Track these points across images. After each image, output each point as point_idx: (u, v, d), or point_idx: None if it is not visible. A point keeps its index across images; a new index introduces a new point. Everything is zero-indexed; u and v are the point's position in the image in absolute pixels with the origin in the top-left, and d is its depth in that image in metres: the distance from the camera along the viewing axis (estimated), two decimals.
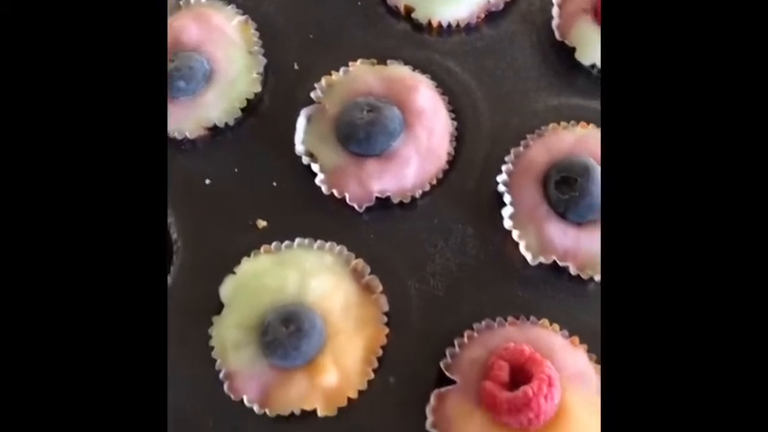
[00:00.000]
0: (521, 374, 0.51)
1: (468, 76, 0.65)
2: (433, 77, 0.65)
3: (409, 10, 0.67)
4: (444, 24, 0.67)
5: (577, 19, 0.66)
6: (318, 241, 0.58)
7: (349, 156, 0.60)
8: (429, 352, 0.55)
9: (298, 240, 0.59)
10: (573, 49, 0.65)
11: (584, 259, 0.57)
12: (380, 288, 0.57)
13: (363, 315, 0.56)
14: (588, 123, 0.62)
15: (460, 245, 0.59)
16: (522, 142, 0.62)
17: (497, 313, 0.56)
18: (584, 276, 0.57)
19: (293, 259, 0.57)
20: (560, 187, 0.58)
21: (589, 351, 0.55)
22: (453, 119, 0.63)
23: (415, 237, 0.60)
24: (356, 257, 0.58)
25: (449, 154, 0.62)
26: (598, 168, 0.58)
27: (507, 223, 0.59)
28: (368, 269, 0.57)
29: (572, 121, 0.63)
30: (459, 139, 0.63)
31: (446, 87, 0.65)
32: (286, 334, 0.52)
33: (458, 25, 0.67)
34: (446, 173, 0.61)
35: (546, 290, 0.57)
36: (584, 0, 0.66)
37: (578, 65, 0.65)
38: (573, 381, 0.53)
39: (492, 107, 0.64)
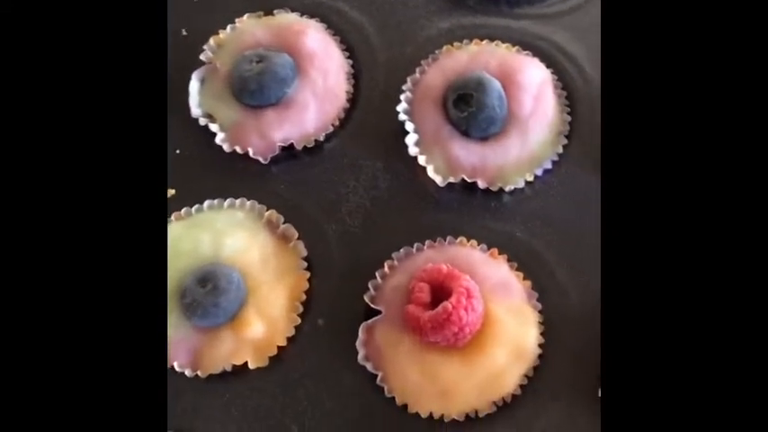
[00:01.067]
0: (442, 293, 0.52)
1: (357, 13, 0.65)
2: (323, 20, 0.64)
3: None
4: None
5: None
6: (228, 200, 0.58)
7: (246, 110, 0.59)
8: (353, 289, 0.55)
9: (207, 203, 0.58)
10: None
11: (492, 173, 0.58)
12: (296, 235, 0.56)
13: (282, 264, 0.55)
14: (481, 40, 0.63)
15: (372, 180, 0.59)
16: (417, 69, 0.61)
17: (415, 240, 0.56)
18: (494, 189, 0.57)
19: (205, 221, 0.57)
20: (458, 105, 0.57)
21: (510, 261, 0.55)
22: (348, 57, 0.63)
23: (326, 180, 0.59)
24: (268, 209, 0.57)
25: (347, 92, 0.61)
26: (493, 81, 0.58)
27: (413, 150, 0.58)
28: (281, 219, 0.57)
29: (465, 40, 0.62)
30: (356, 76, 0.62)
31: (337, 28, 0.64)
32: (203, 293, 0.52)
33: None
34: (348, 111, 0.61)
35: (460, 209, 0.58)
36: None
37: None
38: (496, 291, 0.53)
39: (385, 40, 0.64)
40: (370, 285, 0.54)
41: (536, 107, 0.59)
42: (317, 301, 0.55)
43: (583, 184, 0.58)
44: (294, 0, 0.65)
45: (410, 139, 0.59)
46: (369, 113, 0.61)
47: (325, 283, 0.56)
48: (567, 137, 0.59)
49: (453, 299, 0.50)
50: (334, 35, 0.63)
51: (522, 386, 0.51)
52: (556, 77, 0.61)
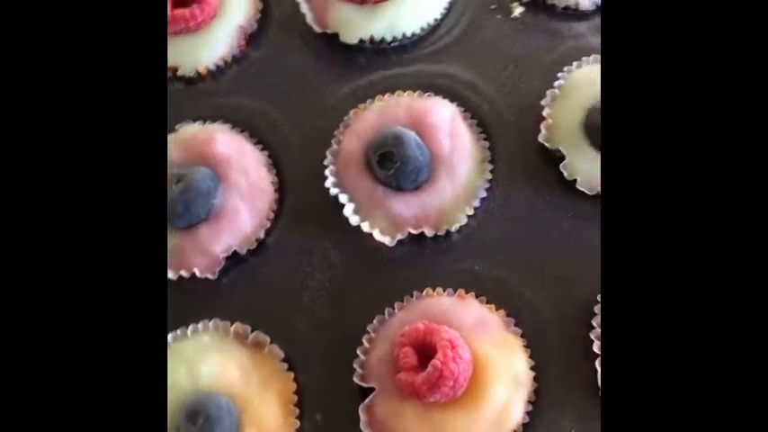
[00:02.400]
0: (426, 350, 0.52)
1: (258, 102, 0.65)
2: (226, 120, 0.64)
3: (174, 69, 0.66)
4: (213, 68, 0.66)
5: (330, 4, 0.67)
6: (191, 326, 0.57)
7: (179, 232, 0.58)
8: (341, 373, 0.55)
9: (171, 335, 0.56)
10: (336, 35, 0.66)
11: (435, 218, 0.58)
12: (268, 339, 0.56)
13: (264, 373, 0.55)
14: (384, 94, 0.64)
15: (324, 260, 0.59)
16: (333, 140, 0.62)
17: (384, 305, 0.56)
18: (441, 233, 0.58)
19: (174, 354, 0.55)
20: (383, 164, 0.58)
21: (478, 296, 0.56)
22: (262, 149, 0.63)
23: (279, 275, 0.59)
24: (232, 323, 0.56)
25: (273, 183, 0.61)
26: (407, 132, 0.59)
27: (354, 220, 0.59)
28: (248, 328, 0.56)
29: (368, 100, 0.64)
30: (276, 164, 0.62)
31: (243, 123, 0.64)
32: (197, 429, 0.51)
33: (226, 63, 0.67)
34: (279, 202, 0.61)
35: (416, 261, 0.58)
36: None
37: (348, 45, 0.66)
38: (475, 331, 0.54)
39: (293, 121, 0.64)
40: (355, 365, 0.54)
41: (454, 143, 0.60)
42: (309, 398, 0.55)
43: (519, 200, 0.60)
44: (191, 109, 0.65)
45: (348, 210, 0.59)
46: (300, 197, 0.61)
47: (312, 376, 0.55)
48: (490, 161, 0.61)
49: (440, 354, 0.51)
50: (242, 131, 0.64)
51: (528, 413, 0.52)
52: (462, 109, 0.63)
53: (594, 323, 0.54)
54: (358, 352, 0.55)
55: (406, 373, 0.52)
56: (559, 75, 0.63)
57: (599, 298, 0.55)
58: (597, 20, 0.66)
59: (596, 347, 0.53)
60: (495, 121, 0.62)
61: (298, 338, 0.56)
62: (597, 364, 0.53)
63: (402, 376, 0.52)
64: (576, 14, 0.67)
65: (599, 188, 0.58)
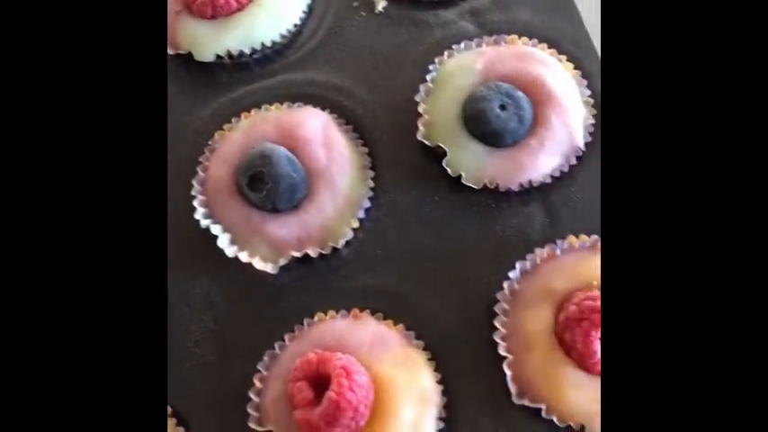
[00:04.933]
0: (323, 382, 0.48)
1: None
2: None
3: None
4: None
5: (179, 23, 0.62)
6: None
7: None
8: (236, 420, 0.50)
9: None
10: (190, 54, 0.61)
11: (319, 236, 0.54)
12: None
13: None
14: (249, 111, 0.60)
15: (205, 299, 0.54)
16: (199, 168, 0.57)
17: (274, 339, 0.52)
18: (327, 251, 0.54)
19: None
20: (254, 186, 0.54)
21: (374, 313, 0.52)
22: None
23: None
24: None
25: None
26: (276, 148, 0.55)
27: (231, 251, 0.54)
28: None
29: (233, 119, 0.59)
30: None
31: None
32: None
33: None
34: None
35: (304, 286, 0.54)
36: (175, 3, 0.62)
37: (205, 64, 0.61)
38: (374, 351, 0.50)
39: None
40: (249, 409, 0.50)
41: (330, 154, 0.56)
42: None
43: (406, 204, 0.56)
44: None
45: (223, 241, 0.54)
46: (170, 234, 0.55)
47: (203, 428, 0.50)
48: (371, 168, 0.57)
49: (334, 385, 0.46)
50: None
51: (440, 431, 0.49)
52: (335, 116, 0.59)
53: (497, 324, 0.51)
54: (251, 394, 0.50)
55: (302, 409, 0.47)
56: (431, 67, 0.60)
57: (499, 296, 0.52)
58: (465, 4, 0.64)
59: (501, 350, 0.50)
60: (371, 124, 0.59)
61: (185, 388, 0.51)
62: (505, 366, 0.50)
63: (298, 414, 0.47)
64: (442, 2, 0.64)
65: (486, 180, 0.55)
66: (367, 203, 0.56)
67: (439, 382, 0.50)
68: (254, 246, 0.54)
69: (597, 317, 0.48)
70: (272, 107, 0.59)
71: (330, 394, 0.46)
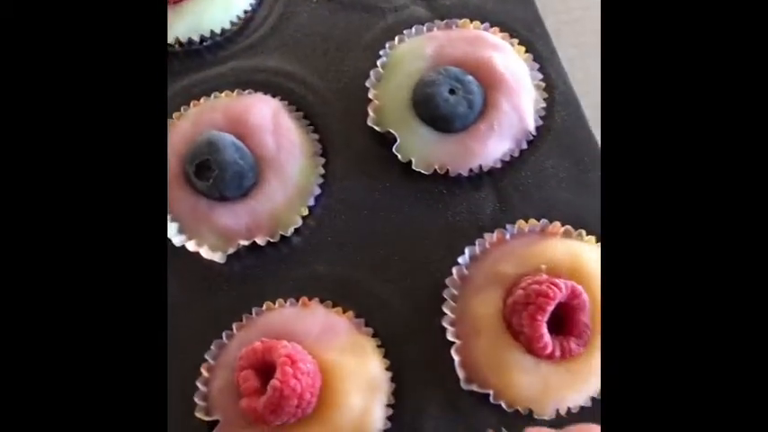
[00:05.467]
0: (268, 370, 0.47)
1: None
2: None
3: None
4: None
5: None
6: None
7: None
8: (182, 410, 0.49)
9: None
10: None
11: (268, 225, 0.54)
12: None
13: None
14: (199, 99, 0.59)
15: None
16: None
17: (223, 328, 0.51)
18: (275, 240, 0.54)
19: None
20: (201, 175, 0.53)
21: (323, 301, 0.52)
22: None
23: None
24: None
25: None
26: (223, 135, 0.54)
27: (178, 240, 0.53)
28: None
29: (183, 107, 0.58)
30: None
31: None
32: None
33: None
34: None
35: (253, 274, 0.54)
36: None
37: None
38: (322, 339, 0.50)
39: None
40: (196, 399, 0.49)
41: (279, 141, 0.55)
42: None
43: (357, 191, 0.56)
44: None
45: (171, 230, 0.54)
46: None
47: None
48: (322, 155, 0.57)
49: (278, 373, 0.46)
50: None
51: (389, 418, 0.49)
52: (286, 102, 0.58)
53: (446, 309, 0.51)
54: (198, 383, 0.50)
55: (249, 398, 0.47)
56: (382, 52, 0.59)
57: (447, 282, 0.52)
58: None
59: (450, 335, 0.50)
60: (322, 110, 0.58)
61: None
62: (453, 352, 0.50)
63: (244, 403, 0.47)
64: None
65: (436, 166, 0.55)
66: (317, 190, 0.55)
67: (387, 369, 0.50)
68: (202, 235, 0.53)
69: (543, 301, 0.48)
70: (222, 94, 0.58)
71: (274, 382, 0.46)
